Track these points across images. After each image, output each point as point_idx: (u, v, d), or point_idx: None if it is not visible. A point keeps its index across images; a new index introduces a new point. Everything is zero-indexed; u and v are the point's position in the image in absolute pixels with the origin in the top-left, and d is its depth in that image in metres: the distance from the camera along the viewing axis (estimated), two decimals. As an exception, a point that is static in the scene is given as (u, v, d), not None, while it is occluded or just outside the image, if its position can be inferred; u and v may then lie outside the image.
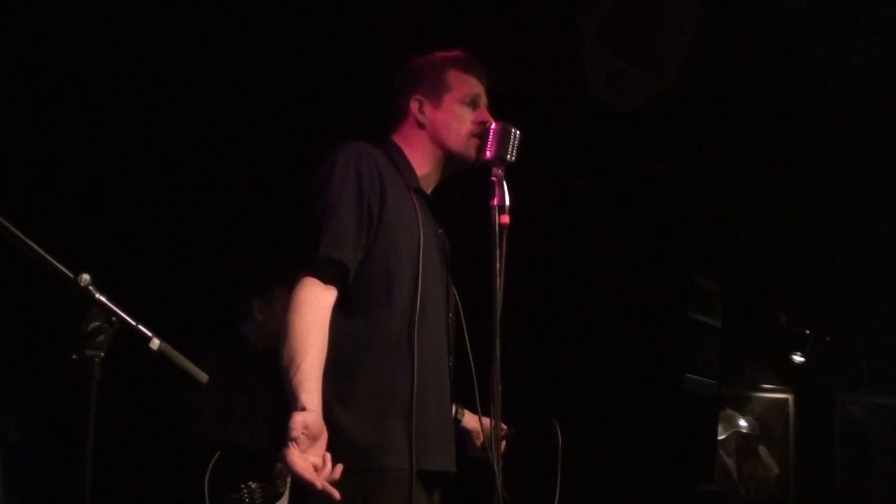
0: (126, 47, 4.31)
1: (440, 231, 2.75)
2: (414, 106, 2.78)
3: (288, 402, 2.27)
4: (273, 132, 4.81)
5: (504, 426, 2.78)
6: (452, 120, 2.76)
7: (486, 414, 2.66)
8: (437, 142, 2.76)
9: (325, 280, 2.42)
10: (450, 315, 2.68)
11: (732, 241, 6.12)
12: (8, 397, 4.54)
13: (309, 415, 2.22)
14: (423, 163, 2.76)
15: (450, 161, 2.78)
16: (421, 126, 2.77)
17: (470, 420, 2.96)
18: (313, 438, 2.21)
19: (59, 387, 3.69)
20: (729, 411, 7.22)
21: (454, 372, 2.68)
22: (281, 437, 2.20)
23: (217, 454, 4.19)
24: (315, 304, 2.39)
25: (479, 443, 2.97)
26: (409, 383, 2.45)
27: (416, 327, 2.48)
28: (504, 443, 2.79)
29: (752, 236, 6.10)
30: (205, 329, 4.37)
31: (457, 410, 2.94)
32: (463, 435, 2.98)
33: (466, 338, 2.72)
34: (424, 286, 2.53)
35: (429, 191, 2.78)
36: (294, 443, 2.16)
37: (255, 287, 4.55)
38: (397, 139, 2.79)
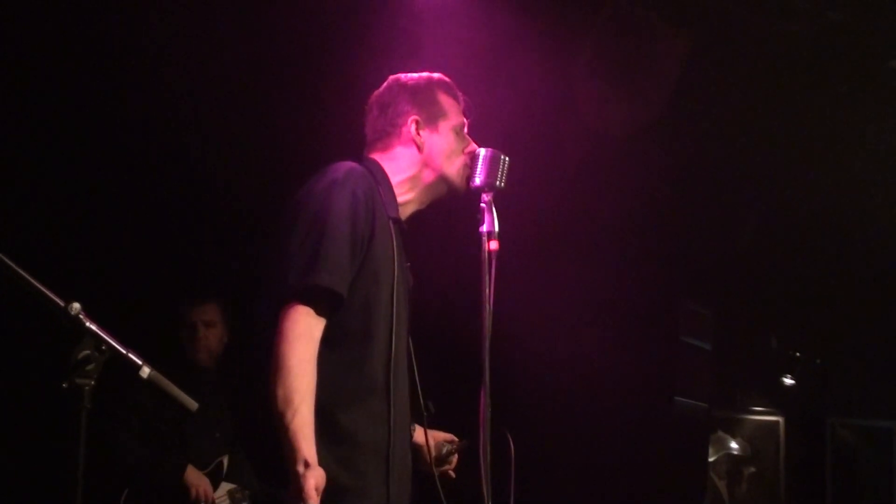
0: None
1: (408, 265, 2.64)
2: (412, 126, 2.66)
3: (279, 440, 2.22)
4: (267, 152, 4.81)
5: (456, 439, 2.76)
6: (450, 148, 2.68)
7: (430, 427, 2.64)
8: (433, 167, 2.66)
9: (319, 311, 2.32)
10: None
11: (723, 264, 6.13)
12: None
13: (317, 472, 2.19)
14: (407, 188, 2.66)
15: (438, 188, 2.70)
16: (417, 147, 2.65)
17: (420, 435, 2.75)
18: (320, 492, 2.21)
19: (49, 410, 3.69)
20: (720, 434, 7.21)
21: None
22: (292, 496, 2.17)
23: (126, 491, 4.04)
24: (310, 337, 2.30)
25: (429, 458, 2.74)
26: (385, 427, 2.41)
27: (392, 371, 2.42)
28: (455, 456, 2.76)
29: (742, 259, 6.12)
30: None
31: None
32: (413, 450, 2.76)
33: (416, 368, 2.63)
34: (397, 324, 2.46)
35: (404, 218, 2.67)
36: None
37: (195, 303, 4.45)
38: (381, 159, 2.66)
